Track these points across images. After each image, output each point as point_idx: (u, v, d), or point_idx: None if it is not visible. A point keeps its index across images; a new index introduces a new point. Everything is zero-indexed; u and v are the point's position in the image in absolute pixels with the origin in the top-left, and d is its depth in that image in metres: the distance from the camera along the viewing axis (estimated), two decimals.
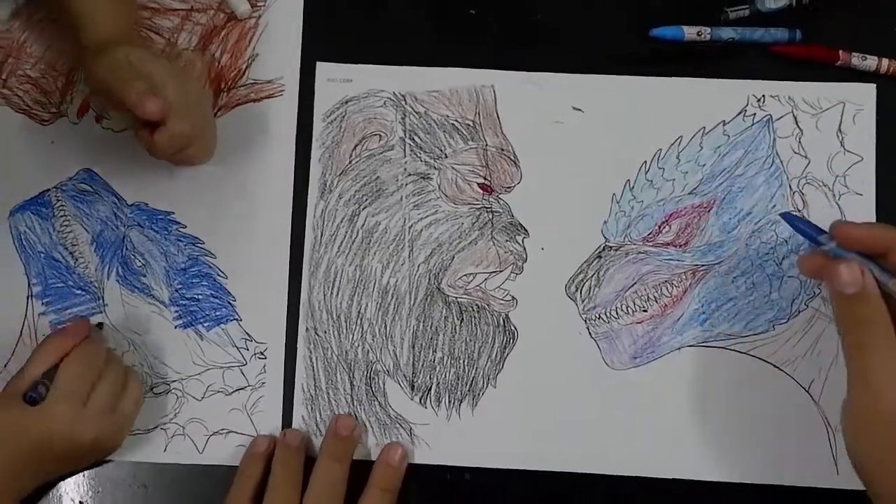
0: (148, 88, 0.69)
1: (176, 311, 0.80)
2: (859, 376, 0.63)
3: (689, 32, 0.80)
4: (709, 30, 0.80)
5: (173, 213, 0.81)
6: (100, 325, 0.79)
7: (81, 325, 0.77)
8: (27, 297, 0.80)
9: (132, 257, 0.81)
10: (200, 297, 0.80)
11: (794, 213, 0.78)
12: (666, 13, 0.81)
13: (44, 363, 0.73)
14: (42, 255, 0.81)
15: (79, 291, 0.80)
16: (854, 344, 0.63)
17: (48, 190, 0.82)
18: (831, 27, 0.82)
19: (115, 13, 0.75)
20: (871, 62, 0.80)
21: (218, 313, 0.80)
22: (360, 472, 0.76)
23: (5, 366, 0.79)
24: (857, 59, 0.80)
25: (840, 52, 0.80)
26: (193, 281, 0.80)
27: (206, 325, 0.80)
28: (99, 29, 0.74)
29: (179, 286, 0.80)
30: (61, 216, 0.81)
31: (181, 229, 0.81)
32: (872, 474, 0.63)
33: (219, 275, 0.80)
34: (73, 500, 0.77)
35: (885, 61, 0.80)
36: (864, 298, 0.63)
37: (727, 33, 0.80)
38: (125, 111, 0.71)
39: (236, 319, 0.80)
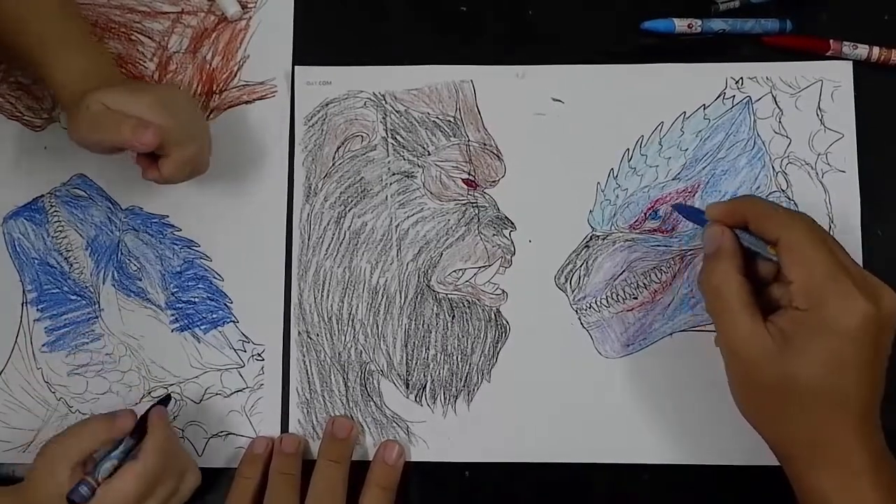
0: (139, 121, 0.68)
1: (172, 315, 0.80)
2: (727, 346, 0.65)
3: (681, 25, 0.80)
4: (700, 22, 0.80)
5: (168, 216, 0.81)
6: (167, 398, 0.77)
7: (127, 416, 0.73)
8: (22, 304, 0.80)
9: (127, 262, 0.81)
10: (197, 299, 0.80)
11: (683, 203, 0.79)
12: (657, 6, 0.81)
13: (78, 451, 0.70)
14: (36, 261, 0.81)
15: (74, 297, 0.80)
16: (713, 311, 0.66)
17: (42, 196, 0.82)
18: (821, 17, 0.82)
19: (87, 66, 0.73)
20: (861, 51, 0.79)
21: (214, 316, 0.80)
22: (361, 472, 0.76)
23: (1, 373, 0.79)
24: (847, 48, 0.80)
25: (831, 41, 0.80)
26: (189, 284, 0.80)
27: (202, 327, 0.80)
28: (76, 88, 0.71)
29: (175, 289, 0.80)
30: (55, 222, 0.81)
31: (176, 232, 0.81)
32: (760, 428, 0.66)
33: (215, 277, 0.80)
34: None
35: (875, 49, 0.79)
36: (720, 259, 0.66)
37: (718, 25, 0.80)
38: (120, 153, 0.72)
39: (233, 321, 0.80)
